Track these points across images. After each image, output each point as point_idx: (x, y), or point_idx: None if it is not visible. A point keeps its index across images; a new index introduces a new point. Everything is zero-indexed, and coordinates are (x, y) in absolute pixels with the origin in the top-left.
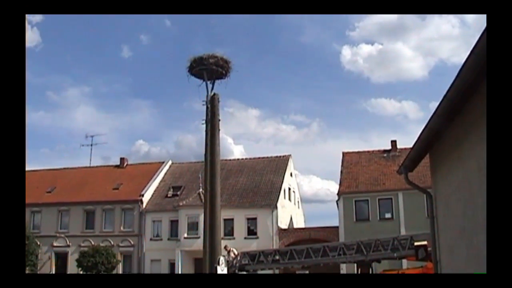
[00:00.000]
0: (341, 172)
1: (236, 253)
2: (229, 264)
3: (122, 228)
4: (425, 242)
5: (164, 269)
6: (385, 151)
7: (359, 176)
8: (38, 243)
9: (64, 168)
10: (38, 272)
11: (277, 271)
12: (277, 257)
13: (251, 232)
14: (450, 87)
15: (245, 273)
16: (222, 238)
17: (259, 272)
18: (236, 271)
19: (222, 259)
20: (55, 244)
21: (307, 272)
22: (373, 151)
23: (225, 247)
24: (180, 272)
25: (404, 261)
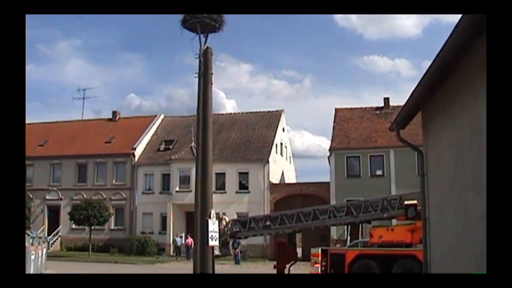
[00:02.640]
0: (333, 128)
1: (227, 220)
2: (220, 232)
3: (114, 181)
4: (414, 201)
5: (156, 222)
6: (377, 108)
7: (351, 132)
8: (31, 196)
9: (56, 122)
10: (31, 225)
11: (268, 237)
12: (268, 223)
13: (243, 187)
14: (444, 45)
15: (235, 237)
16: (214, 192)
17: (251, 238)
18: (228, 238)
19: (213, 212)
20: (47, 197)
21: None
22: (365, 108)
23: (218, 215)
24: (171, 225)
25: (394, 220)
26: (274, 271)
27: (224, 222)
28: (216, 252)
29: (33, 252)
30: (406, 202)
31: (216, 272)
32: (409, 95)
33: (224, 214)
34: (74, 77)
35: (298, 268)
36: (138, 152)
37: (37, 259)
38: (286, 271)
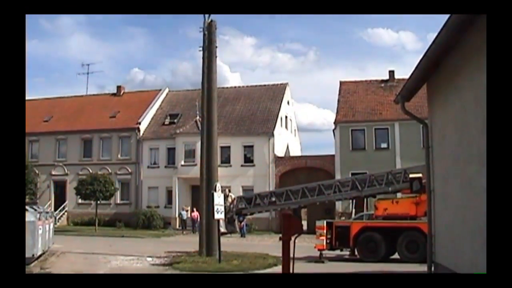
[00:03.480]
0: (338, 101)
1: (233, 197)
2: (226, 209)
3: (119, 156)
4: (419, 175)
5: (162, 196)
6: (382, 81)
7: (356, 105)
8: (37, 171)
9: (61, 97)
10: (38, 200)
11: (273, 213)
12: (273, 199)
13: (248, 160)
14: (450, 17)
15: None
16: (219, 166)
17: (256, 214)
18: (234, 215)
19: (218, 185)
20: (53, 172)
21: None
22: (370, 80)
23: (224, 192)
24: (177, 198)
25: (399, 193)
26: (279, 244)
27: (229, 199)
28: (222, 229)
29: (40, 226)
30: (411, 176)
31: (221, 244)
32: (414, 67)
33: (229, 191)
34: (77, 52)
35: (303, 241)
36: (143, 126)
37: (44, 234)
38: (291, 243)
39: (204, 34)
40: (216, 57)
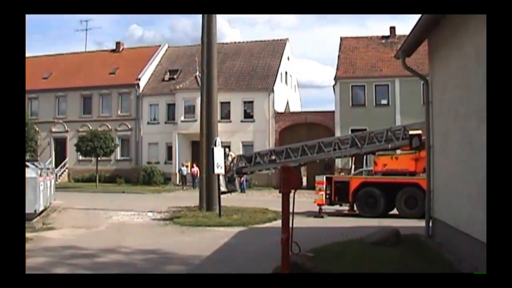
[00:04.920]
0: (338, 57)
1: (233, 156)
2: (226, 168)
3: (119, 112)
4: (419, 131)
5: (162, 152)
6: (383, 37)
7: (356, 61)
8: (37, 129)
9: (60, 54)
10: (38, 157)
11: (273, 171)
12: (273, 157)
13: (248, 115)
14: None
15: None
16: (219, 121)
17: (257, 172)
18: (234, 174)
19: (218, 140)
20: (53, 129)
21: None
22: (371, 37)
23: (224, 151)
24: (177, 154)
25: (398, 150)
26: (279, 199)
27: (229, 158)
28: (223, 188)
29: (41, 183)
30: (410, 132)
31: (221, 199)
32: (415, 23)
33: (229, 150)
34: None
35: (303, 196)
36: (142, 82)
37: (46, 190)
38: (291, 196)
39: None
40: None
